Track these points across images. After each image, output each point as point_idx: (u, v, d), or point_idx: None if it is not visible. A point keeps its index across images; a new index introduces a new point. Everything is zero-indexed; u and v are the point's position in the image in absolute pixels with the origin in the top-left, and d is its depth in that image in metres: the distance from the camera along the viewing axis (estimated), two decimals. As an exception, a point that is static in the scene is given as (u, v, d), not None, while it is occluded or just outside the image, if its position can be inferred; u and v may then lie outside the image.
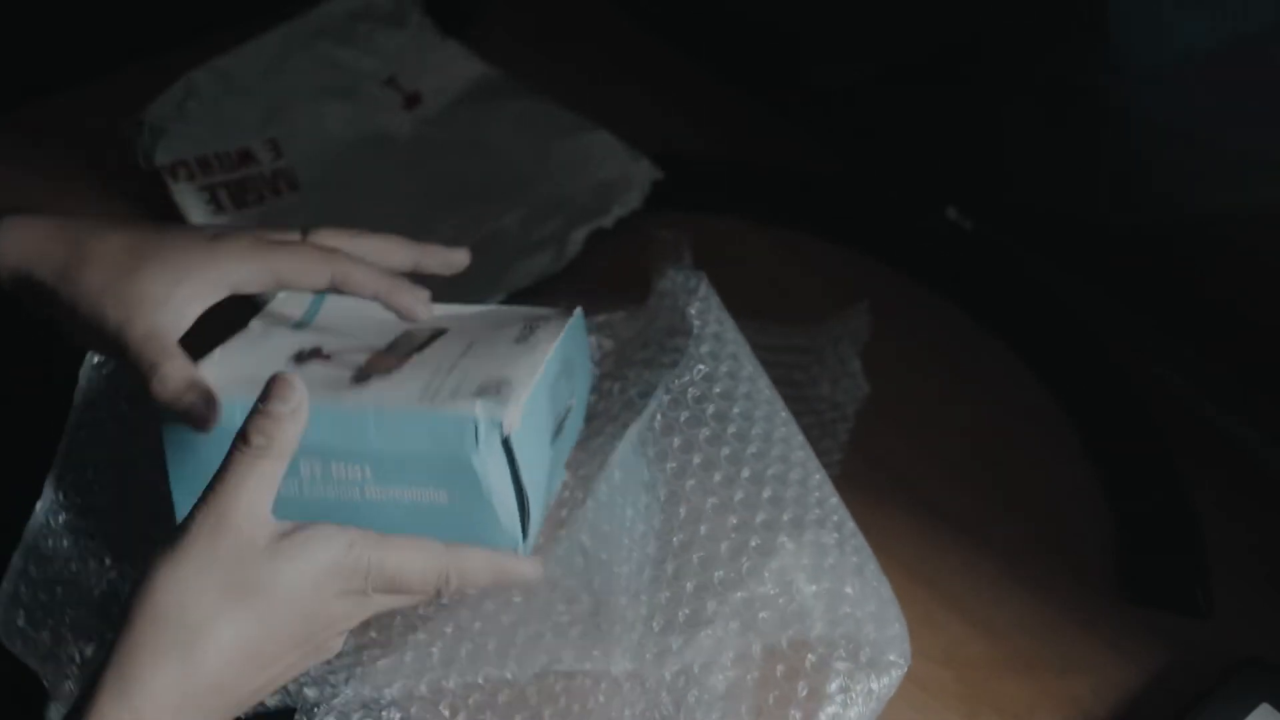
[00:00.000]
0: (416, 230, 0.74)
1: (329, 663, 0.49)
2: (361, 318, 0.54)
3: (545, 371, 0.50)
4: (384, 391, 0.48)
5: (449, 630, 0.50)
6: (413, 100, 0.82)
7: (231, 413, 0.46)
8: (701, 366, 0.54)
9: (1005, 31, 0.72)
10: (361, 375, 0.49)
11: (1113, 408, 0.68)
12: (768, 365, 0.66)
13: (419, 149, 0.80)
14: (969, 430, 0.67)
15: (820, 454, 0.63)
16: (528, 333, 0.53)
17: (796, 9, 0.82)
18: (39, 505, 0.54)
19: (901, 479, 0.65)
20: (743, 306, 0.71)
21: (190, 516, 0.42)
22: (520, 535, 0.48)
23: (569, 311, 0.55)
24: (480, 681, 0.50)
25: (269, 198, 0.76)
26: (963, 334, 0.72)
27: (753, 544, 0.51)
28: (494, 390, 0.47)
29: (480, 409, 0.46)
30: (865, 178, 0.80)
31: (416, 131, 0.81)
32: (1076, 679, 0.58)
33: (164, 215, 0.74)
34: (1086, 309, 0.72)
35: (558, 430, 0.52)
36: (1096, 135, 0.70)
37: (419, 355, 0.51)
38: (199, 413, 0.46)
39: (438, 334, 0.54)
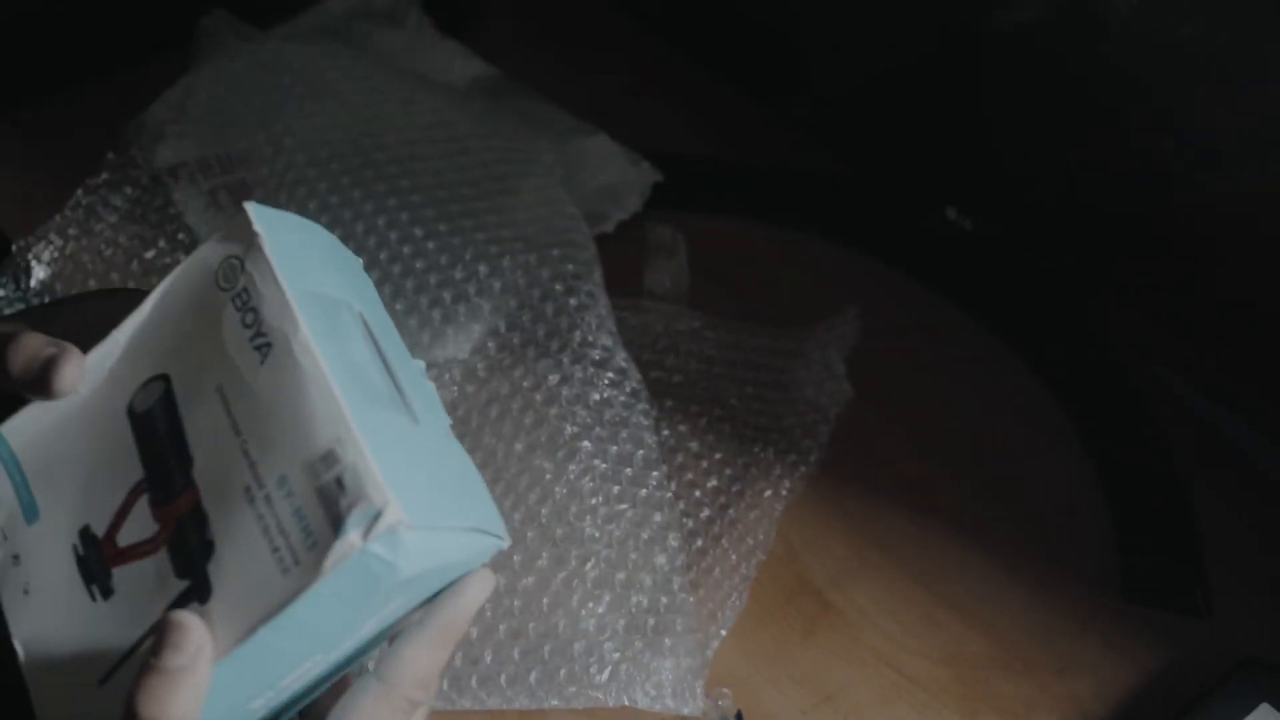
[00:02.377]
0: (417, 231, 0.74)
1: None
2: (62, 451, 0.38)
3: (330, 371, 0.35)
4: (227, 590, 0.34)
5: None
6: (411, 101, 0.82)
7: None
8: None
9: (1004, 30, 0.72)
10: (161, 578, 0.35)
11: (1112, 407, 0.68)
12: (756, 367, 0.67)
13: (416, 144, 0.80)
14: (969, 430, 0.67)
15: (800, 452, 0.65)
16: (243, 314, 0.37)
17: (797, 10, 0.82)
18: None
19: (901, 478, 0.65)
20: (743, 306, 0.72)
21: None
22: (497, 537, 0.38)
23: (240, 233, 0.37)
24: None
25: (270, 195, 0.76)
26: (962, 334, 0.72)
27: None
28: (334, 484, 0.33)
29: (355, 536, 0.32)
30: (865, 178, 0.80)
31: (415, 127, 0.81)
32: (1076, 679, 0.58)
33: (164, 216, 0.74)
34: (1086, 309, 0.72)
35: (391, 378, 0.38)
36: (1096, 135, 0.70)
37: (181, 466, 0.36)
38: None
39: (162, 409, 0.37)
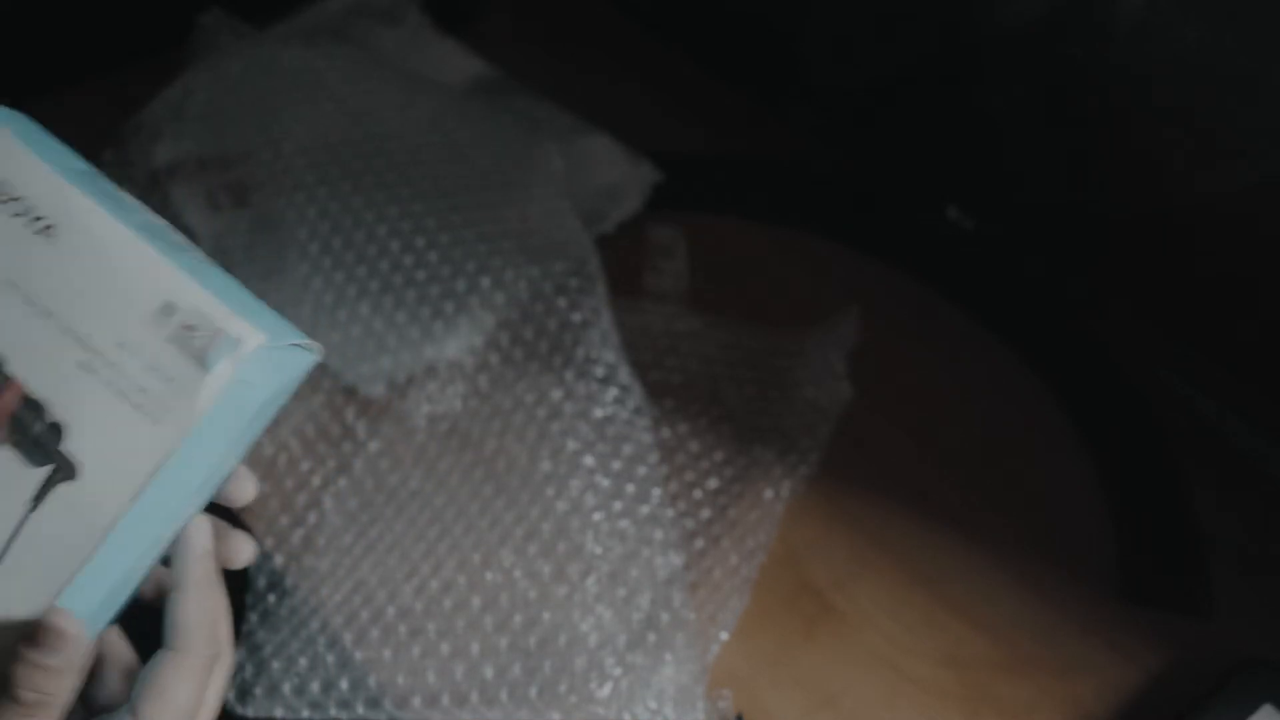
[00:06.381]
0: (419, 241, 0.74)
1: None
2: None
3: (134, 231, 0.37)
4: (99, 460, 0.35)
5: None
6: (410, 104, 0.81)
7: None
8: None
9: (1005, 30, 0.72)
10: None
11: (1113, 407, 0.68)
12: (756, 367, 0.68)
13: (417, 149, 0.80)
14: (969, 429, 0.67)
15: (800, 451, 0.65)
16: (8, 205, 0.38)
17: (797, 9, 0.82)
18: None
19: (901, 478, 0.65)
20: (742, 306, 0.72)
21: None
22: (313, 350, 0.39)
23: None
24: None
25: (268, 198, 0.76)
26: (962, 333, 0.72)
27: None
28: (183, 329, 0.35)
29: (225, 366, 0.35)
30: (865, 177, 0.80)
31: (414, 131, 0.81)
32: (1077, 680, 0.58)
33: (163, 215, 0.73)
34: (1087, 308, 0.72)
35: (167, 227, 0.40)
36: (1098, 134, 0.70)
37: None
38: None
39: None
